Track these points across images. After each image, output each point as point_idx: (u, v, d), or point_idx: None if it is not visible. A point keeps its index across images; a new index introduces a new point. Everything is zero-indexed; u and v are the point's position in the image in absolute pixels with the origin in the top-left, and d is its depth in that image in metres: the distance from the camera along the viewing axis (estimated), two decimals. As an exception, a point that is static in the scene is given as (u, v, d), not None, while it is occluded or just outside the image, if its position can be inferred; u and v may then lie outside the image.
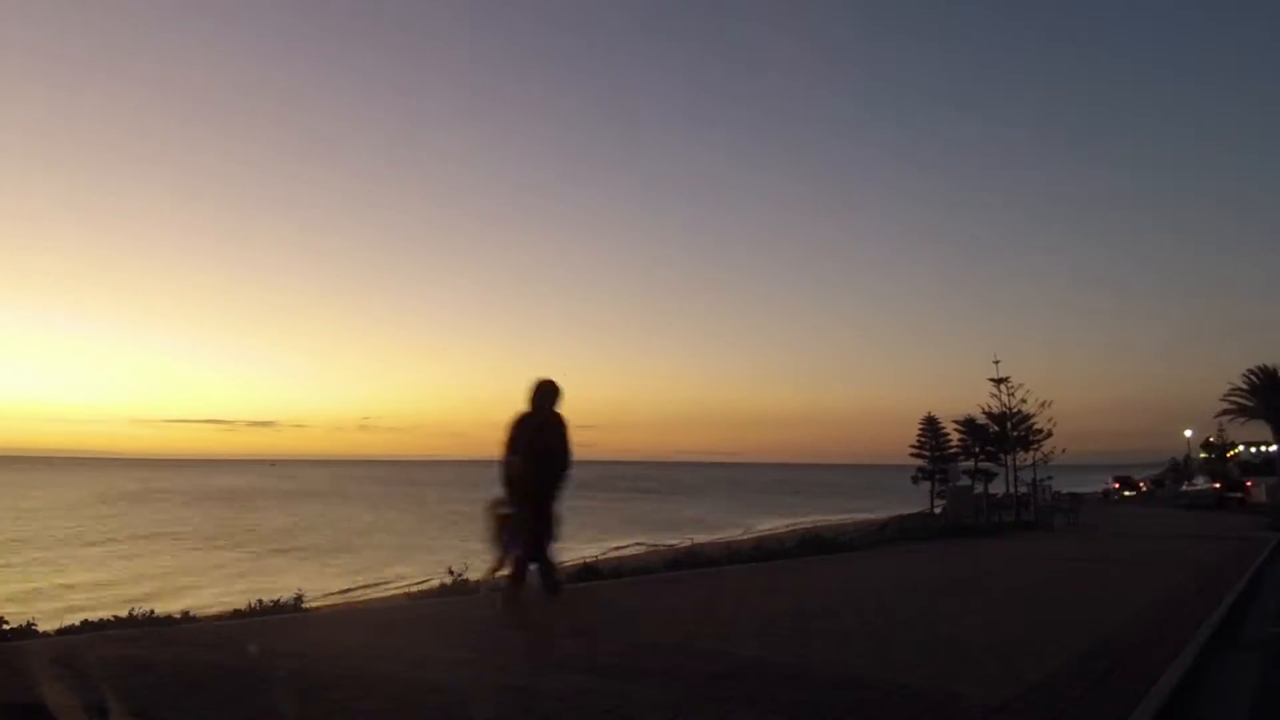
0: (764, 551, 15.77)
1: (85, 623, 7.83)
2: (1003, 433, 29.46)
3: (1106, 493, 62.13)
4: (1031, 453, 28.68)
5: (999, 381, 29.12)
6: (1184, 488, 54.87)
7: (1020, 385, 29.06)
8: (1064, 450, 29.24)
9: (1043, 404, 28.64)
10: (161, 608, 9.91)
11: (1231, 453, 61.75)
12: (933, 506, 34.12)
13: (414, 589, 15.97)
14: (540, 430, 7.50)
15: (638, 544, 38.83)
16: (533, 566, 7.68)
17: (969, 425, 31.61)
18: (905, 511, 39.24)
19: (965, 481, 32.01)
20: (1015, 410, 28.80)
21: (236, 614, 8.73)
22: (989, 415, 29.92)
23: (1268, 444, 49.26)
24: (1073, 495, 36.12)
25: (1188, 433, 63.43)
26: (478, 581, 9.04)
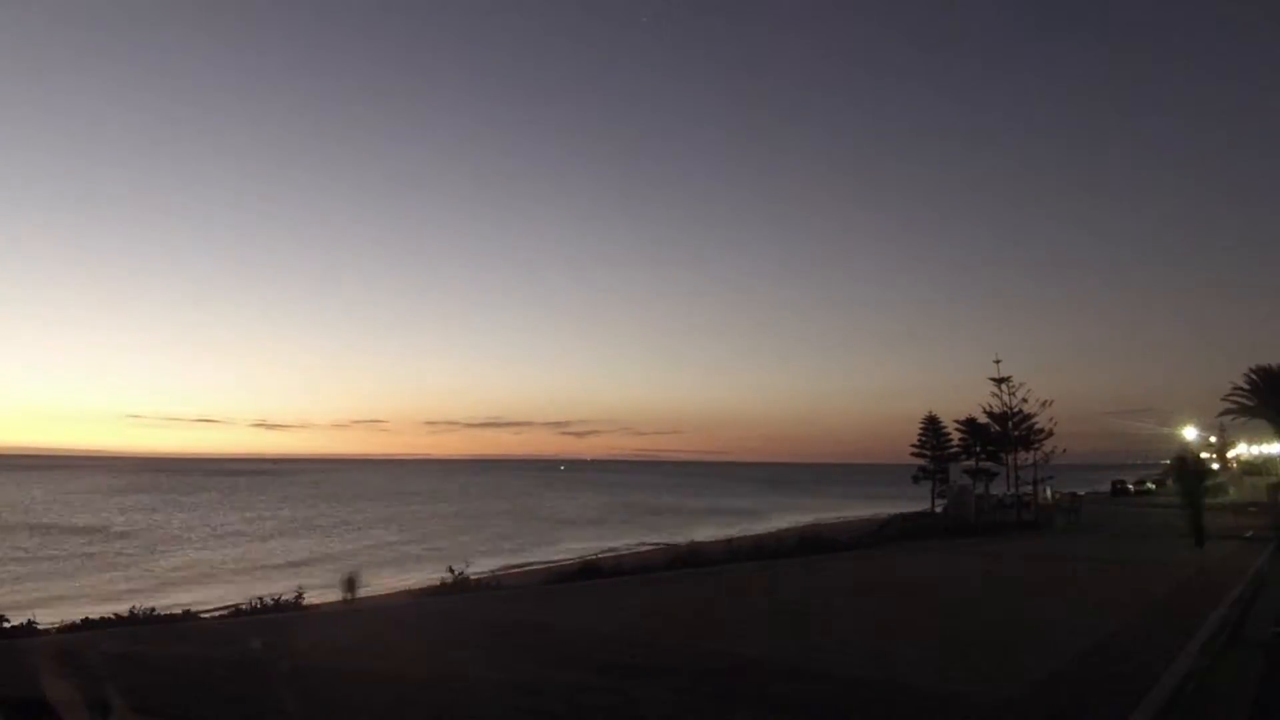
0: (764, 551, 15.77)
1: (87, 620, 7.85)
2: (1004, 432, 29.43)
3: (1114, 490, 61.75)
4: (1032, 452, 28.71)
5: (1000, 381, 29.16)
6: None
7: (1021, 385, 29.16)
8: (1064, 450, 29.32)
9: (1043, 403, 28.68)
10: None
11: (1232, 452, 61.51)
12: (934, 506, 33.96)
13: (415, 587, 15.97)
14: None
15: (639, 543, 38.80)
16: None
17: (970, 425, 31.55)
18: (906, 511, 39.16)
19: (966, 481, 31.93)
20: (1016, 410, 28.80)
21: (237, 612, 8.74)
22: (990, 415, 29.89)
23: (1268, 443, 48.94)
24: (1073, 495, 35.97)
25: (1188, 433, 63.31)
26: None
